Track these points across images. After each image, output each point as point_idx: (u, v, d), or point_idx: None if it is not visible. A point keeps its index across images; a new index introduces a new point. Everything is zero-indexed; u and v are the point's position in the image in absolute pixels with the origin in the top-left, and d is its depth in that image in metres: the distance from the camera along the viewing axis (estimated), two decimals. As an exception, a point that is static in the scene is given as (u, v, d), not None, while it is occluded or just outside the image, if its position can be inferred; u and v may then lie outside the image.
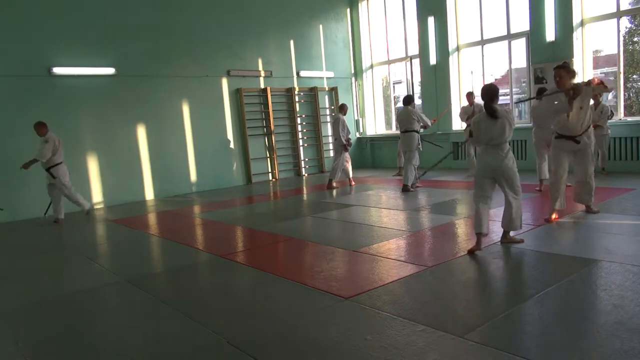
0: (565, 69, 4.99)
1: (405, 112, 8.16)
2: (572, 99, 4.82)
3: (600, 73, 10.44)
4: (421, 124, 8.27)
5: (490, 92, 4.23)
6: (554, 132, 5.29)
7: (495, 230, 4.87)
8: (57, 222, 7.69)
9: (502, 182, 4.27)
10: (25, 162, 7.47)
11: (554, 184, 5.27)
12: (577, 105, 4.96)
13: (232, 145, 10.91)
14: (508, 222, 4.34)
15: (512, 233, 4.46)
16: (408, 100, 8.27)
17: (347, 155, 9.17)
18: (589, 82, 5.04)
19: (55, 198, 7.73)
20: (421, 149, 8.33)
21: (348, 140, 9.11)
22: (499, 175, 4.25)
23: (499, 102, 4.39)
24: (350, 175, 9.35)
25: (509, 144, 4.28)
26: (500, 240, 4.44)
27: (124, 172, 9.36)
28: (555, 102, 5.00)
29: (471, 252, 4.18)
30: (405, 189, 7.96)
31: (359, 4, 12.88)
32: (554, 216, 5.18)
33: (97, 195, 8.99)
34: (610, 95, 9.47)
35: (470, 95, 9.27)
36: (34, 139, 8.35)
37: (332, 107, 12.53)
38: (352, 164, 10.27)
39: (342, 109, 9.20)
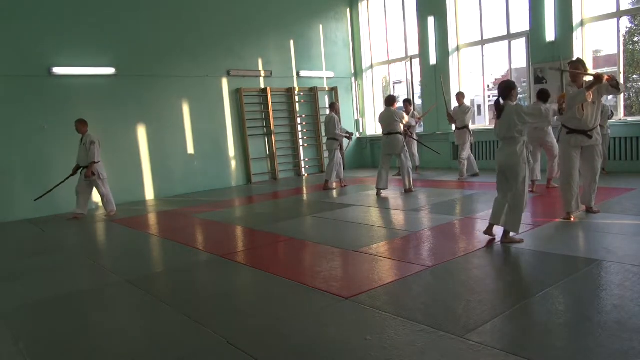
0: (581, 64, 5.06)
1: (387, 114, 7.84)
2: (591, 87, 4.80)
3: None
4: (404, 123, 8.00)
5: (501, 88, 4.41)
6: (562, 127, 5.23)
7: (496, 231, 4.88)
8: (76, 218, 7.93)
9: (506, 179, 4.39)
10: (86, 172, 7.81)
11: (566, 184, 5.13)
12: (591, 99, 4.96)
13: (229, 144, 10.91)
14: (507, 220, 4.39)
15: (511, 233, 4.47)
16: (390, 100, 7.97)
17: (339, 155, 9.11)
18: (601, 78, 4.87)
19: (84, 194, 8.02)
20: (406, 148, 8.02)
21: (349, 134, 9.10)
22: (504, 170, 4.39)
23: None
24: (342, 176, 9.31)
25: (522, 142, 4.34)
26: (500, 240, 4.44)
27: (124, 172, 9.36)
28: (570, 92, 4.96)
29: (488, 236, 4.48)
30: (408, 191, 7.87)
31: (359, 4, 12.88)
32: (572, 218, 5.10)
33: (97, 195, 8.97)
34: (610, 95, 9.47)
35: (460, 96, 9.20)
36: (34, 139, 8.37)
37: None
38: (351, 164, 10.30)
39: (334, 107, 9.18)
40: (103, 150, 8.04)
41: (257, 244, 5.40)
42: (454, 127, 9.51)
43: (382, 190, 7.92)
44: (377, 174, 7.95)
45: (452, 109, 9.46)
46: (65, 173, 7.96)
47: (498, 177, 4.53)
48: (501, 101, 4.43)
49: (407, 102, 10.54)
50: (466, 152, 9.05)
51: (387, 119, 7.81)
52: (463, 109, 9.02)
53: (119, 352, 2.86)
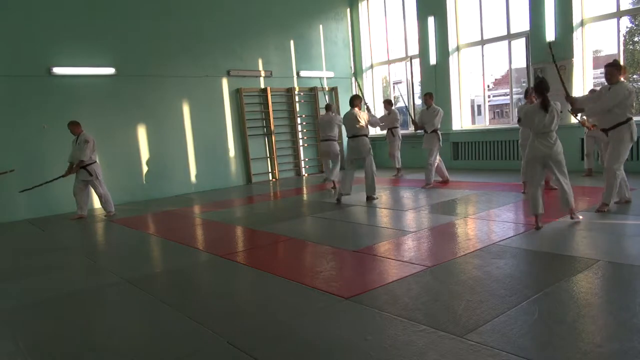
0: (615, 67, 5.22)
1: (351, 115, 7.30)
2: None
3: (601, 73, 10.42)
4: (371, 125, 7.57)
5: (542, 86, 4.75)
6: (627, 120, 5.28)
7: (496, 231, 4.88)
8: (80, 218, 7.93)
9: (552, 167, 4.81)
10: (68, 170, 7.80)
11: (618, 178, 5.40)
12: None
13: (229, 144, 10.92)
14: (564, 202, 4.89)
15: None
16: (352, 101, 7.39)
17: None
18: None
19: (82, 195, 7.98)
20: (371, 152, 7.37)
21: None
22: (548, 160, 4.79)
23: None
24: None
25: (556, 133, 4.81)
26: (570, 216, 4.98)
27: (124, 172, 9.37)
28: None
29: (537, 229, 4.78)
30: (370, 198, 7.31)
31: (359, 4, 12.88)
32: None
33: (96, 195, 8.99)
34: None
35: (428, 97, 8.52)
36: (34, 139, 8.37)
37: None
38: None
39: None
40: (102, 150, 8.06)
41: (257, 244, 5.40)
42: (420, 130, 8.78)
43: (344, 196, 7.40)
44: (367, 181, 7.31)
45: (419, 112, 8.76)
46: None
47: (533, 169, 4.86)
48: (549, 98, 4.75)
49: (387, 102, 10.35)
50: (433, 158, 8.36)
51: (351, 120, 7.31)
52: (431, 112, 8.35)
53: (119, 352, 2.85)
